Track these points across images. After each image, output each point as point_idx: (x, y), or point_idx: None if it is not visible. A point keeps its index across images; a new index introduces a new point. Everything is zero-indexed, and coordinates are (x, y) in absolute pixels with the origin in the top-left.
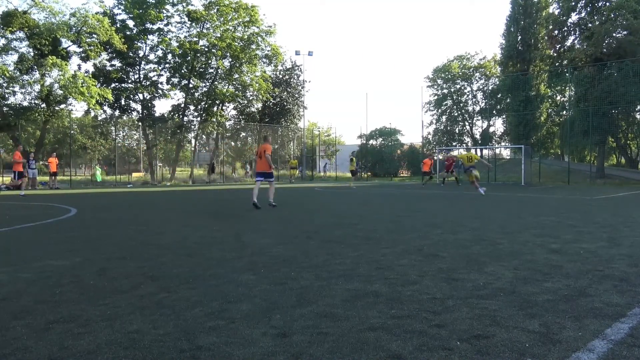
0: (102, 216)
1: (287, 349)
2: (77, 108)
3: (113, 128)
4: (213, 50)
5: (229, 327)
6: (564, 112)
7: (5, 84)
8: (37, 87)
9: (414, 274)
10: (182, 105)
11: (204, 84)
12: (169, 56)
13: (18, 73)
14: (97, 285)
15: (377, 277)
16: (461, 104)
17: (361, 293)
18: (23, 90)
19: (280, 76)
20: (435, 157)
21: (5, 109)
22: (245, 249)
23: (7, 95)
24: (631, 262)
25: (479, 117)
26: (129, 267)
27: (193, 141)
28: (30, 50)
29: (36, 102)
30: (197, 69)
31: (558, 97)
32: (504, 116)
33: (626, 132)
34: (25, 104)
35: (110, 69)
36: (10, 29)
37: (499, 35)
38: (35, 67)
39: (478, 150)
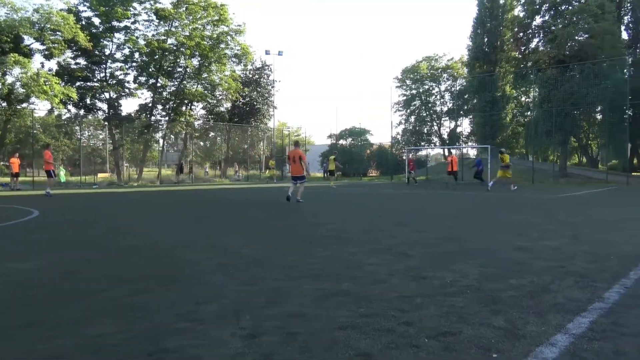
0: (67, 218)
1: (256, 349)
2: (40, 107)
3: (78, 128)
4: (182, 49)
5: (198, 329)
6: (529, 112)
7: None
8: None
9: (383, 272)
10: (150, 105)
11: (172, 83)
12: (136, 55)
13: None
14: (65, 288)
15: (346, 276)
16: (429, 105)
17: (331, 292)
18: None
19: (250, 76)
20: (404, 157)
21: None
22: (214, 249)
23: None
24: (592, 258)
25: (447, 118)
26: (96, 269)
27: (161, 141)
28: None
29: None
30: (165, 68)
31: (523, 98)
32: (470, 116)
33: (587, 133)
34: None
35: (74, 67)
36: None
37: (466, 37)
38: None
39: (446, 150)
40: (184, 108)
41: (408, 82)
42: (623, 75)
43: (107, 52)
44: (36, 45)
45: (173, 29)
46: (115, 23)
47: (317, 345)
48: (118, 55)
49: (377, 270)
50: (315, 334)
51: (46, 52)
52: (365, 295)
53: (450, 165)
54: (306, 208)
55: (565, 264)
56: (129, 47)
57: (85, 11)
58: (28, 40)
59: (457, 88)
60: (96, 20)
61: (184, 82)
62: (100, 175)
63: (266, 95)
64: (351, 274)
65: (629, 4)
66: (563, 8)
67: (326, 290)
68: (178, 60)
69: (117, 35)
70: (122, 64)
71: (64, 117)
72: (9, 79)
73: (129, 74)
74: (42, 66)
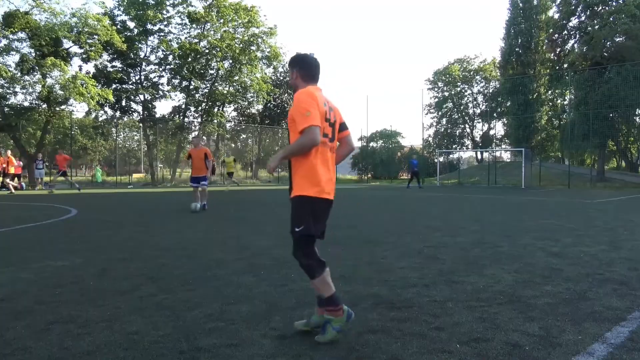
0: (103, 217)
1: (287, 350)
2: (78, 109)
3: (114, 129)
4: (213, 52)
5: (229, 329)
6: (564, 115)
7: (6, 85)
8: (38, 88)
9: (413, 276)
10: (183, 107)
11: (204, 85)
12: (170, 57)
13: (19, 73)
14: (97, 286)
15: (377, 279)
16: (461, 107)
17: (361, 295)
18: (24, 91)
19: (281, 78)
20: (436, 160)
21: (6, 109)
22: (245, 250)
23: (8, 96)
24: (631, 265)
25: (480, 120)
26: (129, 268)
27: None
28: (32, 50)
29: (37, 102)
30: (197, 70)
31: (558, 101)
32: (504, 119)
33: (626, 136)
34: (26, 104)
35: (111, 70)
36: (12, 29)
37: (499, 39)
38: (37, 67)
39: (479, 153)
40: (215, 110)
41: (440, 84)
42: None
43: (142, 55)
44: (74, 49)
45: (205, 32)
46: (149, 26)
47: (347, 348)
48: (152, 58)
49: (408, 274)
50: (345, 336)
51: (84, 56)
52: (396, 299)
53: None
54: (337, 210)
55: (603, 271)
56: (162, 50)
57: (120, 15)
58: (67, 43)
59: (490, 90)
60: (131, 24)
61: (216, 84)
62: (135, 175)
63: None
64: (382, 277)
65: None
66: (600, 9)
67: (357, 293)
68: (210, 63)
69: (150, 38)
70: (156, 67)
71: (100, 119)
72: (49, 82)
73: (162, 76)
74: (80, 69)
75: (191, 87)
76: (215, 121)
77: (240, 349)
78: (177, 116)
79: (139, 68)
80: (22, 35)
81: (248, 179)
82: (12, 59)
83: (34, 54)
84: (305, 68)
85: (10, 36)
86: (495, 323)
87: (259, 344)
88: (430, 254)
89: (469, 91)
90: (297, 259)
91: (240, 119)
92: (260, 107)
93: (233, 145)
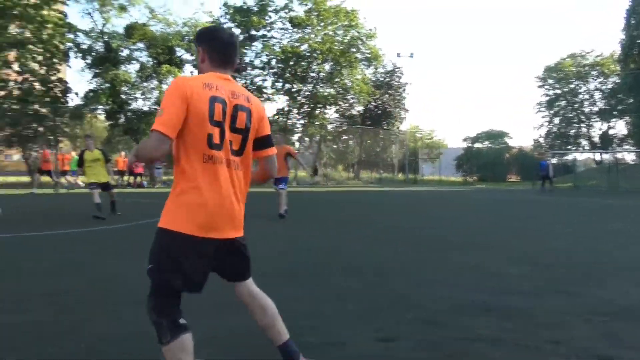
0: None
1: (392, 353)
2: None
3: None
4: (314, 55)
5: (324, 327)
6: None
7: (129, 91)
8: (155, 93)
9: (525, 284)
10: (286, 109)
11: (305, 88)
12: (273, 61)
13: (139, 80)
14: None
15: (484, 285)
16: (576, 105)
17: (467, 302)
18: (143, 97)
19: (381, 79)
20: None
21: (128, 114)
22: (339, 254)
23: (130, 101)
24: None
25: (597, 119)
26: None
27: (297, 144)
28: (150, 59)
29: (155, 107)
30: (299, 73)
31: None
32: (626, 117)
33: None
34: (145, 109)
35: None
36: (132, 40)
37: (619, 31)
38: (154, 74)
39: (597, 155)
40: (317, 112)
41: (551, 81)
42: None
43: (247, 59)
44: (186, 56)
45: (306, 36)
46: (253, 32)
47: (451, 354)
48: (257, 62)
49: (519, 281)
50: (449, 343)
51: (194, 62)
52: (505, 307)
53: None
54: (446, 214)
55: None
56: (266, 54)
57: (226, 22)
58: (179, 51)
59: (609, 86)
60: (237, 31)
61: (317, 86)
62: None
63: (397, 98)
64: (489, 283)
65: None
66: None
67: (462, 299)
68: (311, 66)
69: (254, 43)
70: (261, 71)
71: None
72: (164, 87)
73: (266, 79)
74: (192, 75)
75: (293, 90)
76: (317, 123)
77: (335, 349)
78: (282, 118)
79: (244, 72)
80: (140, 45)
81: (350, 179)
82: (134, 67)
83: (151, 62)
84: (216, 47)
85: (131, 46)
86: (621, 340)
87: (367, 344)
88: (542, 261)
89: (584, 88)
90: (146, 309)
91: (342, 120)
92: (361, 108)
93: (335, 146)
